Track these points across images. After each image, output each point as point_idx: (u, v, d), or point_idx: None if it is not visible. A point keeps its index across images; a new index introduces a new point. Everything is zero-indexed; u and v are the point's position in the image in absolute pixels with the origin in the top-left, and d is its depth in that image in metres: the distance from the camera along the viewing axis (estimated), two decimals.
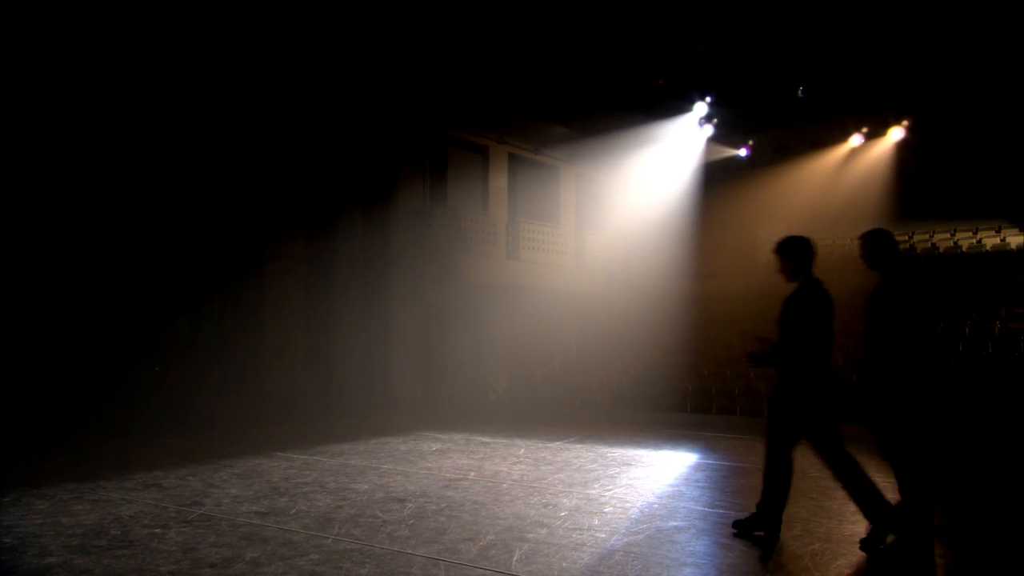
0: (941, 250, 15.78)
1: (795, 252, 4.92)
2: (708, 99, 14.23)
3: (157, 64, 9.66)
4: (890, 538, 4.52)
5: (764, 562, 4.39)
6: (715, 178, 16.29)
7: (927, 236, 16.43)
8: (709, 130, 14.97)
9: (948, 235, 16.24)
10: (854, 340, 13.44)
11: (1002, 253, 14.72)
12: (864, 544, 4.57)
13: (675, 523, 5.22)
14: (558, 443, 8.79)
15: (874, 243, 5.23)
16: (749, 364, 4.97)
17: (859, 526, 5.14)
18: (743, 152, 16.58)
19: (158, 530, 4.85)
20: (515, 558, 4.34)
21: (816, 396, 4.74)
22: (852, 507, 5.70)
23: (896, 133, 15.29)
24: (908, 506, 4.61)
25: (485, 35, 10.73)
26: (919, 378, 4.76)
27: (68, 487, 6.07)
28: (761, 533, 4.81)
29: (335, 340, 11.74)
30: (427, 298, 13.31)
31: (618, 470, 7.17)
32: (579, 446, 8.64)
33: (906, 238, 16.73)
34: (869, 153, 15.94)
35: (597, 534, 4.88)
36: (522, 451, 8.18)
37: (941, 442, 5.07)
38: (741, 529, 4.90)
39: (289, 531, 4.87)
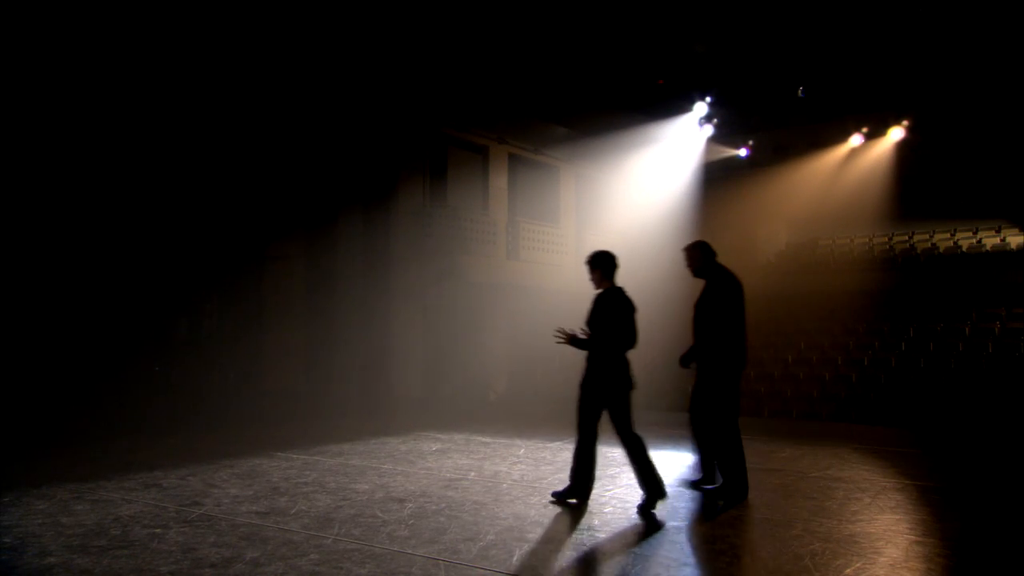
0: (941, 250, 15.78)
1: (600, 263, 5.76)
2: (708, 99, 14.21)
3: (159, 65, 9.66)
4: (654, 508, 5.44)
5: (764, 562, 4.38)
6: (715, 178, 16.27)
7: (927, 236, 16.43)
8: (709, 130, 14.95)
9: (948, 235, 16.24)
10: (853, 339, 13.46)
11: (1002, 253, 14.72)
12: (641, 509, 5.44)
13: (675, 523, 5.22)
14: (558, 443, 8.78)
15: (697, 254, 6.17)
16: (560, 338, 5.59)
17: (858, 526, 5.15)
18: (743, 152, 16.56)
19: (158, 530, 4.85)
20: (515, 558, 4.34)
21: (614, 381, 5.55)
22: (852, 507, 5.71)
23: (896, 133, 15.28)
24: (722, 468, 5.92)
25: (485, 35, 10.73)
26: (732, 363, 5.99)
27: (68, 487, 6.07)
28: (575, 500, 5.64)
29: (335, 340, 11.73)
30: (427, 298, 13.30)
31: (618, 470, 7.16)
32: None
33: (906, 238, 16.73)
34: (869, 153, 15.92)
35: (597, 534, 4.88)
36: (522, 451, 8.18)
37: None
38: (558, 498, 5.68)
39: (289, 531, 4.87)
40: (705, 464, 6.23)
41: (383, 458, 7.70)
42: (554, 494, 5.81)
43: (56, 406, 8.79)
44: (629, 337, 5.60)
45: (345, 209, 12.09)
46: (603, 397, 5.56)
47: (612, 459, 7.82)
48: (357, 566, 4.15)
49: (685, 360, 6.43)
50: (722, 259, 6.42)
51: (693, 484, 6.33)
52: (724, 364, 5.97)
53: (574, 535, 4.84)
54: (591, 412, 5.63)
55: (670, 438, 9.52)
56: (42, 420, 8.55)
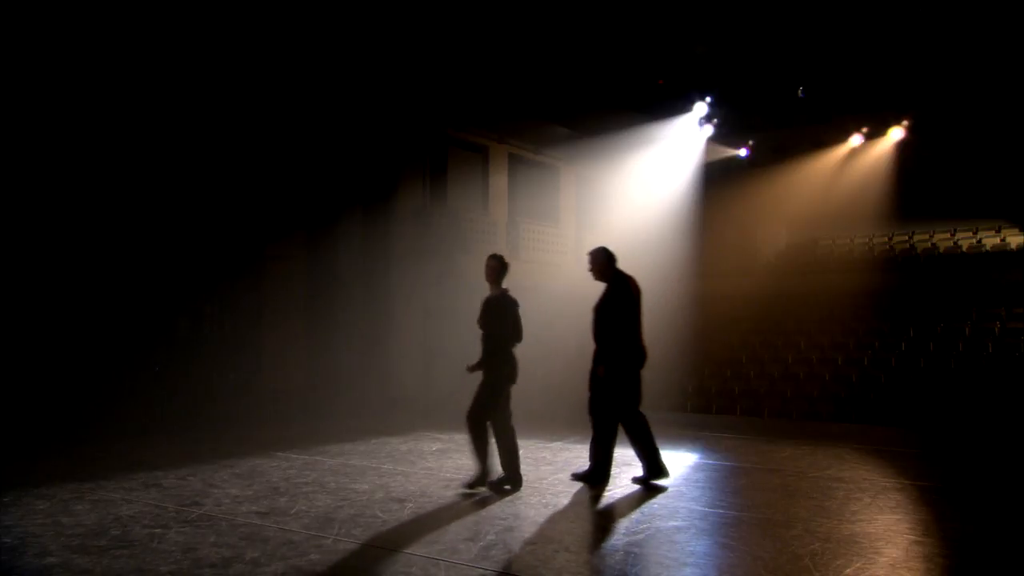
0: (941, 250, 15.76)
1: (504, 266, 6.42)
2: (708, 99, 14.20)
3: (159, 65, 9.66)
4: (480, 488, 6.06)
5: (764, 562, 4.38)
6: (715, 178, 16.26)
7: (927, 236, 16.41)
8: (709, 130, 14.94)
9: (948, 235, 16.23)
10: (853, 339, 13.46)
11: (1002, 253, 14.70)
12: (490, 484, 6.09)
13: (675, 523, 5.22)
14: (558, 443, 8.79)
15: (599, 259, 6.63)
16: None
17: (858, 526, 5.15)
18: (743, 152, 16.55)
19: (158, 530, 4.84)
20: (515, 558, 4.34)
21: (499, 373, 6.16)
22: (852, 507, 5.72)
23: (896, 133, 15.26)
24: (595, 455, 6.47)
25: (485, 36, 10.73)
26: (627, 360, 6.40)
27: (68, 487, 6.07)
28: (509, 487, 6.09)
29: (336, 340, 11.73)
30: (427, 298, 13.30)
31: (618, 470, 7.15)
32: (579, 446, 8.62)
33: (906, 238, 16.72)
34: (869, 153, 15.91)
35: (597, 534, 4.88)
36: (522, 451, 8.17)
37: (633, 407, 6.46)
38: (494, 488, 6.03)
39: (289, 531, 4.87)
40: (646, 457, 6.53)
41: (383, 458, 7.71)
42: (489, 484, 6.11)
43: (56, 406, 8.79)
44: (518, 334, 6.31)
45: (345, 209, 12.09)
46: (487, 385, 6.16)
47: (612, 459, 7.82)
48: (357, 566, 4.15)
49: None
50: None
51: (638, 479, 6.56)
52: (619, 362, 6.40)
53: (574, 535, 4.83)
54: (496, 403, 6.17)
55: (670, 438, 9.52)
56: (43, 420, 8.55)
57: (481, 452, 6.12)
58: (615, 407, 6.43)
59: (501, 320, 6.21)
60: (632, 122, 14.09)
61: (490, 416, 6.13)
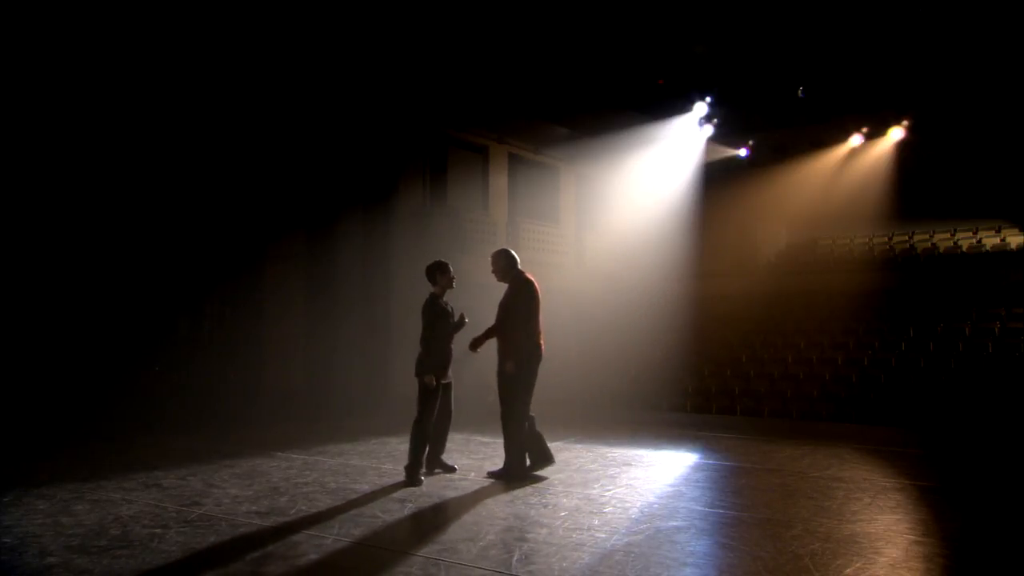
0: (941, 250, 15.77)
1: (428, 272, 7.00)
2: (708, 99, 14.20)
3: (160, 65, 9.66)
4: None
5: (764, 562, 4.38)
6: (715, 178, 16.26)
7: (927, 236, 16.42)
8: (709, 130, 14.94)
9: (948, 235, 16.23)
10: (853, 339, 13.46)
11: (1002, 253, 14.71)
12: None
13: (675, 523, 5.22)
14: (558, 443, 8.77)
15: (501, 261, 6.94)
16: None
17: (858, 526, 5.15)
18: (743, 152, 16.55)
19: (158, 530, 4.84)
20: (515, 558, 4.34)
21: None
22: (852, 507, 5.72)
23: (896, 133, 15.26)
24: (507, 443, 6.72)
25: (485, 35, 10.73)
26: (530, 353, 6.66)
27: (68, 487, 6.07)
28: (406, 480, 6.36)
29: (336, 340, 11.73)
30: None
31: (618, 470, 7.17)
32: (579, 446, 8.64)
33: (906, 238, 16.72)
34: (869, 153, 15.91)
35: (597, 534, 4.88)
36: None
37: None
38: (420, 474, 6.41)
39: (289, 531, 4.87)
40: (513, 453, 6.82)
41: (383, 458, 7.71)
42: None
43: (56, 406, 8.79)
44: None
45: (346, 209, 12.09)
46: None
47: (612, 459, 7.82)
48: (357, 566, 4.15)
49: (473, 345, 7.12)
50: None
51: (493, 473, 6.78)
52: (520, 357, 6.63)
53: (574, 535, 4.83)
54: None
55: (670, 438, 9.53)
56: (43, 420, 8.55)
57: (420, 444, 6.56)
58: (522, 400, 6.67)
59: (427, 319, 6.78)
60: (632, 122, 14.09)
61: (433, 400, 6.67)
